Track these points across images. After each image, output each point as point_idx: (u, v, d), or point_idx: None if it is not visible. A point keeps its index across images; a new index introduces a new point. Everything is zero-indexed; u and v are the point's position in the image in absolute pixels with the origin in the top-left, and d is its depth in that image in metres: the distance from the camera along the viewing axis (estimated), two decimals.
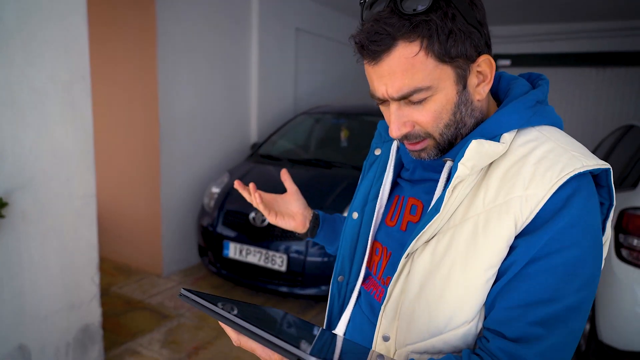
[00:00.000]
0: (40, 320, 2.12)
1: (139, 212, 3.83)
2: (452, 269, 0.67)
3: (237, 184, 1.01)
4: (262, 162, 3.82)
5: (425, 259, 0.69)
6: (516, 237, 0.64)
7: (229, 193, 3.41)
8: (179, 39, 3.61)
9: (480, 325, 0.67)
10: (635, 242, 2.22)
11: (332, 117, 4.43)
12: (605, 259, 2.26)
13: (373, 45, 0.65)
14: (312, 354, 0.52)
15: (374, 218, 0.85)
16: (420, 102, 0.68)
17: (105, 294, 3.36)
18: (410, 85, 0.66)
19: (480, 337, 0.67)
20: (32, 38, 1.93)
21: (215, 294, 0.68)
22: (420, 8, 0.63)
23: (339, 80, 6.11)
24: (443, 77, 0.66)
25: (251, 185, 0.99)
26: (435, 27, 0.63)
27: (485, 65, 0.69)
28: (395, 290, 0.72)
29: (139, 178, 3.75)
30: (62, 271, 2.18)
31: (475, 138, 0.68)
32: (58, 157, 2.10)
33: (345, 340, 0.66)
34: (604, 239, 0.70)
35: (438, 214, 0.67)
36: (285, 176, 1.05)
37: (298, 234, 1.05)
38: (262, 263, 3.07)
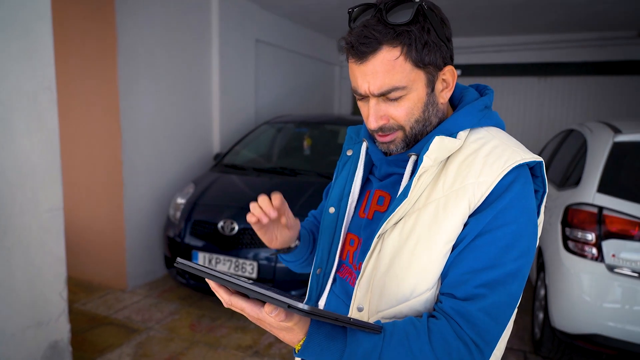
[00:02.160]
0: (7, 338, 2.05)
1: (101, 226, 3.74)
2: (417, 245, 0.79)
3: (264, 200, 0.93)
4: (227, 172, 3.85)
5: (394, 238, 0.81)
6: (469, 216, 0.77)
7: (196, 203, 3.41)
8: (139, 51, 3.59)
9: (437, 292, 0.80)
10: (579, 234, 2.43)
11: (294, 127, 4.51)
12: (554, 251, 2.45)
13: (362, 46, 0.77)
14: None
15: (347, 211, 0.95)
16: (396, 99, 0.80)
17: (68, 311, 3.26)
18: (390, 84, 0.78)
19: (436, 302, 0.79)
20: None
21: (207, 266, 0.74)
22: (403, 20, 0.76)
23: (298, 90, 6.22)
24: (417, 80, 0.79)
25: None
26: (414, 37, 0.76)
27: (449, 74, 0.83)
28: (369, 266, 0.83)
29: (101, 191, 3.68)
30: (28, 287, 2.13)
31: (437, 135, 0.81)
32: (24, 169, 2.06)
33: (324, 308, 0.74)
34: (538, 220, 0.83)
35: (406, 199, 0.80)
36: (281, 206, 0.96)
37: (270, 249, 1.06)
38: (232, 271, 3.09)
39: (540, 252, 2.96)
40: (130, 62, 3.51)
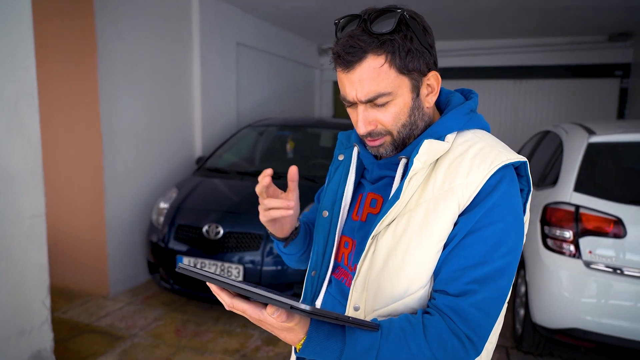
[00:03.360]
0: None
1: (82, 232, 3.67)
2: (409, 245, 0.82)
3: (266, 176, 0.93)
4: (210, 176, 3.83)
5: (387, 238, 0.84)
6: (459, 216, 0.81)
7: (179, 207, 3.39)
8: (120, 54, 3.55)
9: (431, 289, 0.83)
10: (557, 232, 2.52)
11: (277, 130, 4.52)
12: (534, 249, 2.53)
13: (348, 56, 0.81)
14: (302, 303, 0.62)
15: (340, 215, 0.98)
16: (383, 105, 0.84)
17: None
18: (376, 90, 0.82)
19: (430, 299, 0.83)
20: None
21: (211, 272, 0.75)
22: (387, 29, 0.79)
23: (279, 93, 6.23)
24: (402, 86, 0.83)
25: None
26: (397, 45, 0.80)
27: (433, 80, 0.87)
28: (364, 267, 0.86)
29: (81, 196, 3.62)
30: (10, 295, 2.09)
31: (426, 138, 0.85)
32: (4, 175, 2.02)
33: (321, 307, 0.76)
34: (524, 218, 0.88)
35: (398, 201, 0.83)
36: (293, 182, 0.97)
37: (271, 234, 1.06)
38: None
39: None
40: (111, 66, 3.47)
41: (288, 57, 6.32)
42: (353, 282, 0.87)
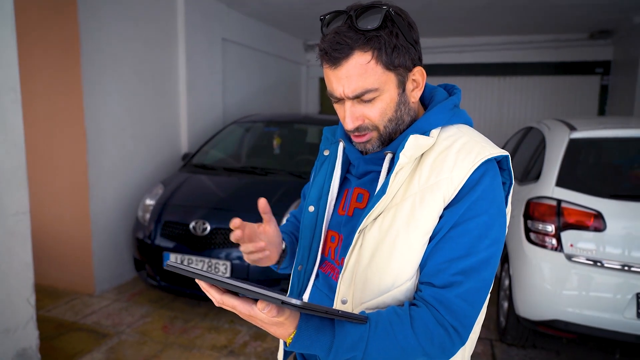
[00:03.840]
0: None
1: (66, 229, 3.63)
2: (396, 238, 0.83)
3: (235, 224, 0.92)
4: (196, 172, 3.81)
5: (374, 232, 0.86)
6: (444, 209, 0.83)
7: (166, 204, 3.37)
8: (104, 50, 3.51)
9: (417, 281, 0.85)
10: (540, 226, 2.57)
11: (263, 126, 4.52)
12: (517, 243, 2.57)
13: (335, 52, 0.82)
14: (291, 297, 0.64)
15: (327, 209, 0.99)
16: (370, 100, 0.85)
17: None
18: (363, 86, 0.83)
19: (416, 291, 0.85)
20: None
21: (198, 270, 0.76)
22: (373, 26, 0.81)
23: (265, 89, 6.22)
24: (388, 82, 0.84)
25: (235, 221, 0.92)
26: (384, 42, 0.81)
27: (418, 75, 0.89)
28: (351, 260, 0.87)
29: (65, 193, 3.57)
30: None
31: (412, 133, 0.86)
32: None
33: (309, 301, 0.78)
34: (507, 210, 0.90)
35: (384, 195, 0.84)
36: (266, 215, 0.97)
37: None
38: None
39: (504, 245, 3.09)
40: (94, 61, 3.43)
41: (274, 53, 6.30)
42: (340, 275, 0.89)
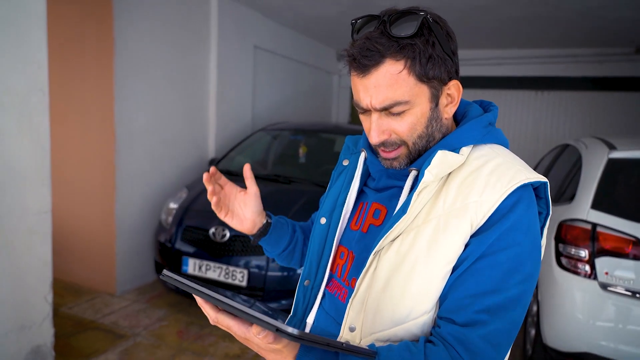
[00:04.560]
0: None
1: (92, 229, 3.70)
2: (415, 265, 0.75)
3: (208, 175, 0.97)
4: None
5: (390, 256, 0.77)
6: (471, 236, 0.74)
7: (188, 208, 3.38)
8: (137, 54, 3.58)
9: (436, 316, 0.76)
10: (572, 250, 2.41)
11: (290, 134, 4.50)
12: (547, 267, 2.41)
13: (364, 59, 0.75)
14: (289, 325, 0.57)
15: (340, 223, 0.92)
16: (399, 114, 0.78)
17: (54, 314, 3.21)
18: (393, 98, 0.76)
19: (434, 326, 0.75)
20: None
21: (195, 280, 0.71)
22: (407, 33, 0.73)
23: (296, 97, 6.22)
24: (420, 94, 0.77)
25: (212, 169, 0.98)
26: (418, 51, 0.74)
27: (454, 89, 0.81)
28: (363, 284, 0.79)
29: (93, 194, 3.64)
30: (13, 290, 2.09)
31: (440, 149, 0.78)
32: (12, 171, 2.03)
33: (312, 326, 0.72)
34: (542, 242, 0.80)
35: (405, 215, 0.76)
36: (247, 173, 1.02)
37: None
38: (222, 279, 3.05)
39: None
40: (127, 66, 3.50)
41: (306, 61, 6.30)
42: (351, 300, 0.81)
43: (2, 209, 2.00)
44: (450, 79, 0.79)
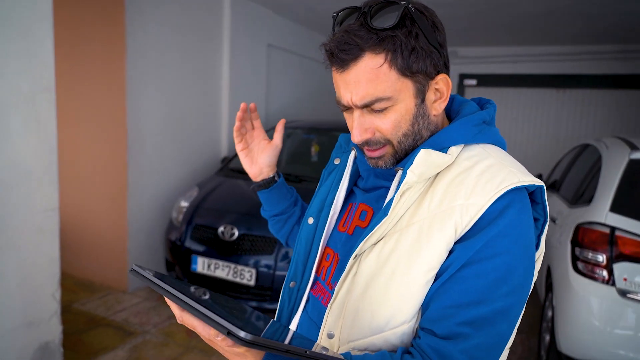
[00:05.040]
0: None
1: (104, 227, 3.74)
2: (395, 270, 0.70)
3: (246, 105, 1.07)
4: (231, 176, 3.81)
5: (371, 260, 0.73)
6: (455, 242, 0.69)
7: (198, 207, 3.38)
8: (148, 52, 3.59)
9: (417, 325, 0.71)
10: (590, 255, 2.32)
11: (303, 132, 4.46)
12: (563, 272, 2.32)
13: (342, 53, 0.71)
14: (244, 329, 0.53)
15: (327, 224, 0.88)
16: (381, 110, 0.73)
17: (67, 310, 3.25)
18: (373, 94, 0.71)
19: (415, 336, 0.71)
20: None
21: (167, 274, 0.69)
22: (388, 24, 0.69)
23: (309, 96, 6.18)
24: (403, 90, 0.72)
25: (252, 105, 1.09)
26: (399, 43, 0.69)
27: (442, 84, 0.76)
28: (342, 289, 0.75)
29: (105, 191, 3.68)
30: (20, 287, 2.11)
31: (425, 148, 0.73)
32: (19, 169, 2.04)
33: (293, 332, 0.68)
34: (537, 253, 0.75)
35: (386, 217, 0.72)
36: (279, 127, 1.10)
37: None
38: (230, 277, 3.04)
39: (549, 272, 2.84)
40: (139, 64, 3.51)
41: (320, 59, 6.23)
42: (329, 304, 0.77)
43: (10, 207, 2.02)
44: (438, 73, 0.74)
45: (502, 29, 5.42)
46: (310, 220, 0.92)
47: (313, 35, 5.98)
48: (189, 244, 3.23)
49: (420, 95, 0.74)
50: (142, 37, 3.51)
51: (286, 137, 4.50)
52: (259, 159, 1.08)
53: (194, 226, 3.26)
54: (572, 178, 3.26)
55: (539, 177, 4.27)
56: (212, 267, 3.10)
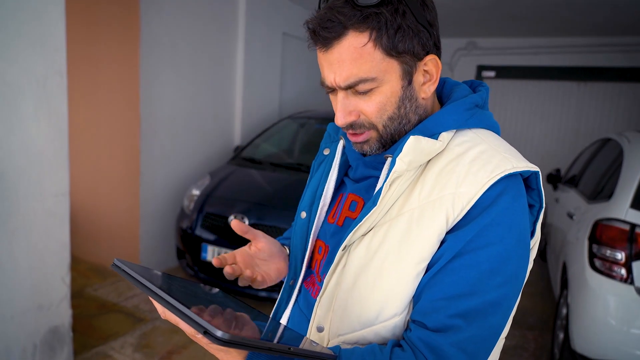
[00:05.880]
0: (6, 320, 2.06)
1: (117, 213, 3.76)
2: (384, 262, 0.68)
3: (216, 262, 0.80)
4: (243, 166, 3.80)
5: (360, 251, 0.71)
6: (447, 233, 0.66)
7: (209, 195, 3.38)
8: (162, 40, 3.58)
9: (408, 318, 0.69)
10: (608, 252, 2.24)
11: (316, 122, 4.42)
12: (579, 269, 2.25)
13: (324, 31, 0.67)
14: (221, 328, 0.51)
15: (317, 216, 0.85)
16: (366, 92, 0.70)
17: (79, 295, 3.29)
18: (357, 75, 0.68)
19: (406, 328, 0.68)
20: (5, 31, 1.89)
21: (150, 268, 0.67)
22: (372, 1, 0.65)
23: None
24: (389, 71, 0.69)
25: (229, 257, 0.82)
26: (385, 21, 0.66)
27: (431, 65, 0.72)
28: (332, 282, 0.73)
29: (118, 178, 3.70)
30: (30, 271, 2.13)
31: (415, 135, 0.70)
32: (30, 154, 2.05)
33: (284, 327, 0.66)
34: (532, 241, 0.72)
35: (375, 207, 0.69)
36: (243, 228, 0.84)
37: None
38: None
39: (564, 269, 2.77)
40: (153, 51, 3.50)
41: None
42: (318, 297, 0.75)
43: (21, 191, 2.03)
44: (427, 54, 0.71)
45: (521, 20, 5.28)
46: (303, 215, 0.89)
47: None
48: (200, 232, 3.23)
49: (407, 76, 0.70)
50: (157, 22, 3.50)
51: (299, 126, 4.47)
52: (276, 264, 0.88)
53: (205, 214, 3.26)
54: (591, 173, 3.17)
55: (557, 172, 4.17)
56: (220, 254, 3.09)
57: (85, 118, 3.76)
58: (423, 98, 0.74)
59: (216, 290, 0.74)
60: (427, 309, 0.65)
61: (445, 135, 0.71)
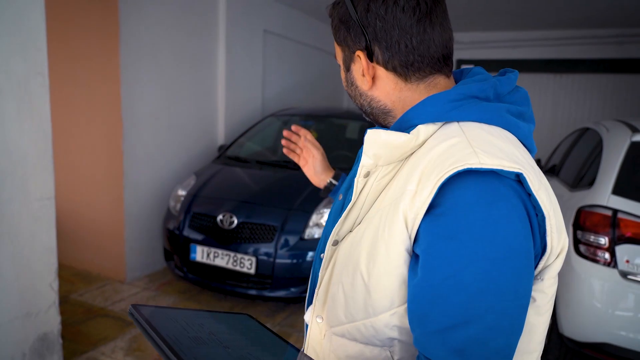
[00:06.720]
0: None
1: (100, 216, 3.69)
2: (359, 259, 0.66)
3: (287, 134, 1.23)
4: (229, 164, 3.77)
5: (345, 247, 0.71)
6: (414, 241, 0.61)
7: (196, 195, 3.34)
8: (143, 38, 3.52)
9: (397, 318, 0.65)
10: (591, 238, 2.31)
11: (300, 119, 4.42)
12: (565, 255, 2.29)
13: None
14: None
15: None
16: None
17: (64, 301, 3.22)
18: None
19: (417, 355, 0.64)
20: None
21: (174, 307, 0.65)
22: None
23: (306, 82, 6.12)
24: (339, 55, 0.79)
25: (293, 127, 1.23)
26: (336, 12, 0.75)
27: (358, 62, 0.74)
28: (325, 276, 0.74)
29: (101, 180, 3.63)
30: (17, 278, 2.08)
31: (394, 129, 0.70)
32: (13, 156, 1.99)
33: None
34: (545, 255, 0.63)
35: (350, 203, 0.72)
36: (309, 136, 1.23)
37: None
38: (230, 266, 3.02)
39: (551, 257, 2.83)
40: (133, 49, 3.44)
41: (317, 45, 6.18)
42: (316, 290, 0.76)
43: (4, 196, 1.98)
44: (359, 50, 0.72)
45: (499, 14, 5.37)
46: (340, 197, 0.90)
47: (309, 21, 5.90)
48: (188, 232, 3.20)
49: (346, 65, 0.77)
50: (136, 21, 3.44)
51: (283, 124, 4.46)
52: (317, 168, 1.23)
53: (192, 215, 3.23)
54: (572, 162, 3.25)
55: (538, 162, 4.25)
56: (211, 255, 3.07)
57: (65, 120, 3.67)
58: (364, 90, 0.75)
59: (245, 317, 0.75)
60: (426, 342, 0.60)
61: (422, 128, 0.66)
